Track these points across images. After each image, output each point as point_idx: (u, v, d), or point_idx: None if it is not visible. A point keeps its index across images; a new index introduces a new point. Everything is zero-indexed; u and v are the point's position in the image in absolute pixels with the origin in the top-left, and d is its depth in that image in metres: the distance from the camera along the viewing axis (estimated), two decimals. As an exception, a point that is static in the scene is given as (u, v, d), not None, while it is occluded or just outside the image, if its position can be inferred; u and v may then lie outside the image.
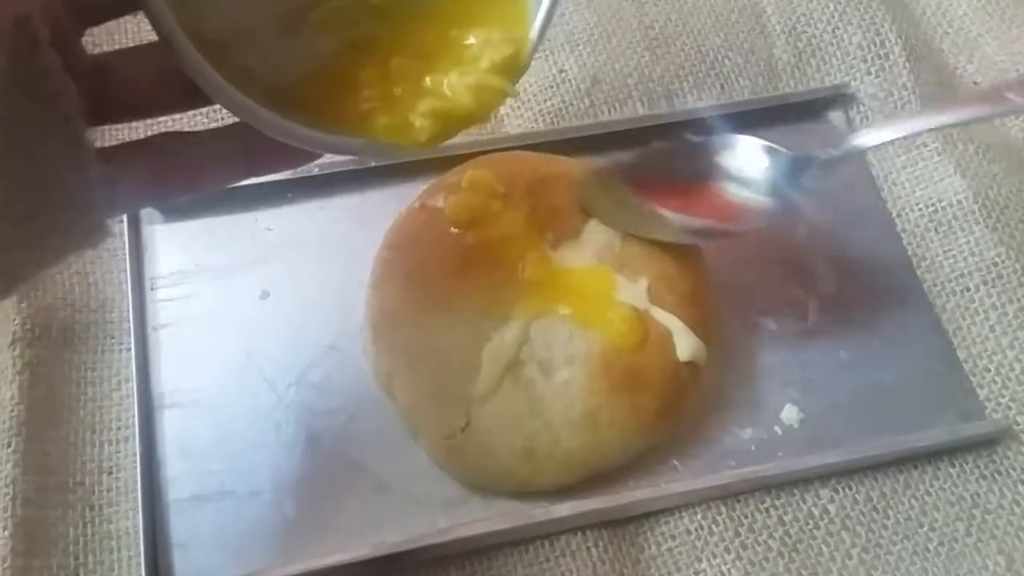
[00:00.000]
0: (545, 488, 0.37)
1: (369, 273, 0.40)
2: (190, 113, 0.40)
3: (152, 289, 0.42)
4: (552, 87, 0.48)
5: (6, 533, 0.35)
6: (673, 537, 0.37)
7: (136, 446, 0.38)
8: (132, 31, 0.45)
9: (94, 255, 0.42)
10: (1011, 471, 0.39)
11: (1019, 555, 0.37)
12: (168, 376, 0.40)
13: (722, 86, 0.49)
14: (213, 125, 0.29)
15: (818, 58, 0.49)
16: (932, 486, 0.39)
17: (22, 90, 0.21)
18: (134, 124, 0.35)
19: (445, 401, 0.36)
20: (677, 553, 0.37)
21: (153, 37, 0.24)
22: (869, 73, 0.48)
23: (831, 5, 0.50)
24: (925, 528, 0.38)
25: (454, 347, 0.37)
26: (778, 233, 0.44)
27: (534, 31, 0.28)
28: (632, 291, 0.38)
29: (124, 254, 0.41)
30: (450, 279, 0.38)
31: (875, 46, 0.49)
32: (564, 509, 0.36)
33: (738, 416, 0.40)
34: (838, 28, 0.49)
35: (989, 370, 0.41)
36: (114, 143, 0.26)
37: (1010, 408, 0.40)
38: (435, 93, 0.28)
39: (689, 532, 0.37)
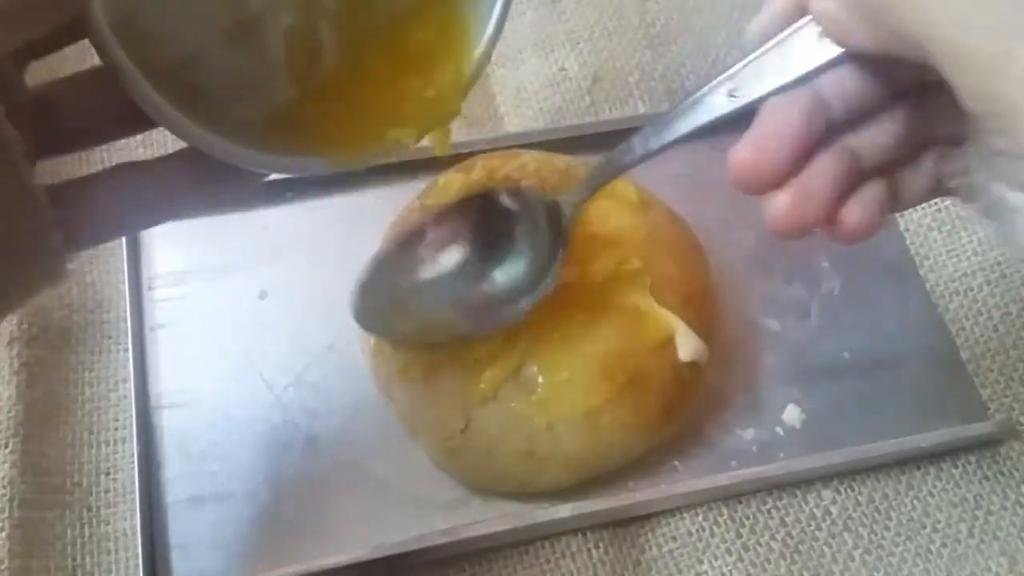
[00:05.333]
0: (546, 489, 0.37)
1: (368, 273, 0.40)
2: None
3: (150, 289, 0.42)
4: (552, 85, 0.47)
5: (3, 535, 0.35)
6: (674, 538, 0.37)
7: (134, 447, 0.37)
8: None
9: (92, 255, 0.42)
10: (1014, 472, 0.39)
11: (1022, 556, 0.37)
12: (166, 376, 0.40)
13: (724, 84, 0.48)
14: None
15: (820, 56, 0.49)
16: (935, 487, 0.39)
17: None
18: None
19: (444, 402, 0.36)
20: (678, 554, 0.37)
21: (93, 62, 0.23)
22: (871, 71, 0.48)
23: (833, 2, 0.49)
24: (927, 529, 0.38)
25: (453, 347, 0.37)
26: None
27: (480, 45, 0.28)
28: (634, 290, 0.38)
29: (122, 253, 0.41)
30: (450, 279, 0.38)
31: (877, 44, 0.48)
32: (565, 510, 0.36)
33: (740, 416, 0.40)
34: (840, 26, 0.49)
35: (992, 370, 0.41)
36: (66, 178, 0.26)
37: (1013, 408, 0.40)
38: (410, 96, 0.28)
39: (690, 533, 0.37)
